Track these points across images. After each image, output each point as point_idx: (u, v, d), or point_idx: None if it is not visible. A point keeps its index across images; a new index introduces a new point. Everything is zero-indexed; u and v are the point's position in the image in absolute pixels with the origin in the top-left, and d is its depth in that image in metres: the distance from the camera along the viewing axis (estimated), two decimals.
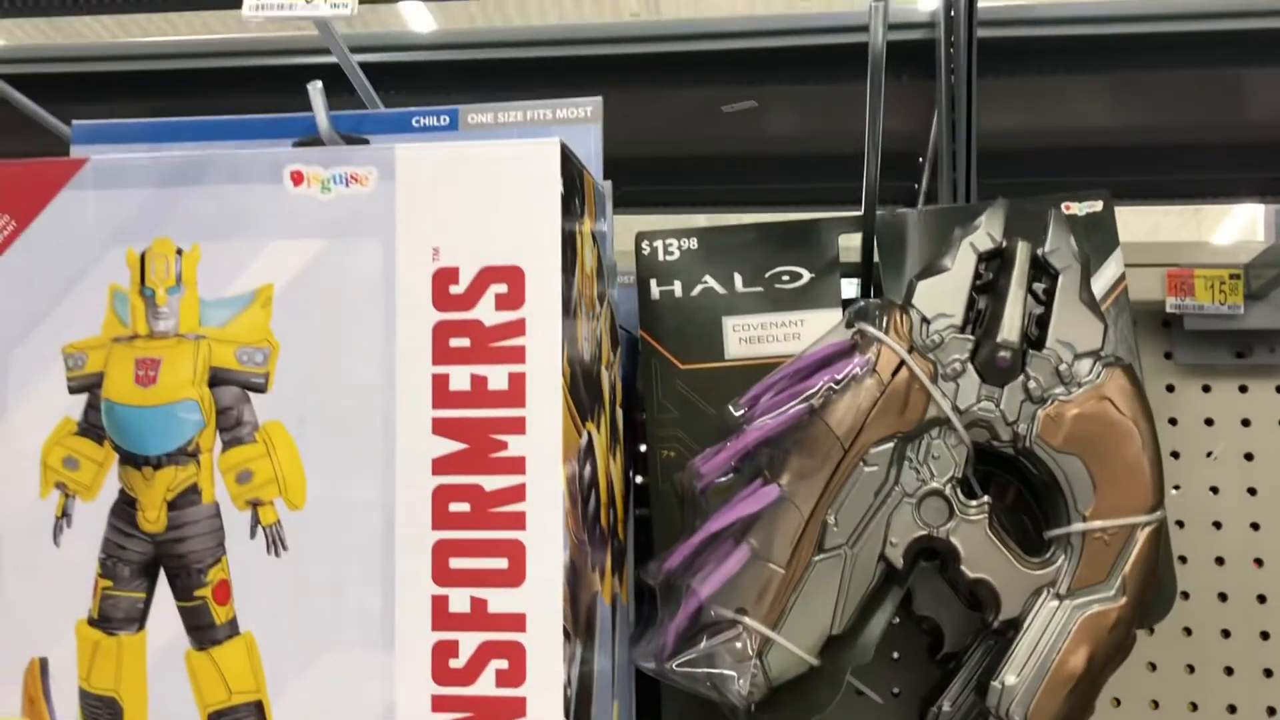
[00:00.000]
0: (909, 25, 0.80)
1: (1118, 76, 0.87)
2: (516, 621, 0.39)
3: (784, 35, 0.87)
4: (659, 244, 0.60)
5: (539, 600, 0.39)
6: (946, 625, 0.58)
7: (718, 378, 0.59)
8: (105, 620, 0.41)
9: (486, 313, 0.40)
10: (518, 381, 0.39)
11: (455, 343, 0.40)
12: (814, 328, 0.59)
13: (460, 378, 0.40)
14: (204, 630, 0.41)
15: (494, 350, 0.39)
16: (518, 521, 0.39)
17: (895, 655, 0.60)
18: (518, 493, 0.39)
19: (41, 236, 0.42)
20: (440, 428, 0.40)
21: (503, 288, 0.39)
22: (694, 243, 0.60)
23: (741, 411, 0.55)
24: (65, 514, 0.42)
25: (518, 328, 0.39)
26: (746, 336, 0.59)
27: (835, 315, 0.58)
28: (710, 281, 0.60)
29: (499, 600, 0.39)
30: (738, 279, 0.60)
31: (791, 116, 0.96)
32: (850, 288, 0.61)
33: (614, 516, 0.50)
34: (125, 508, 0.42)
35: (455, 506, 0.39)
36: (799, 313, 0.59)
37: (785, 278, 0.60)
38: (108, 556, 0.41)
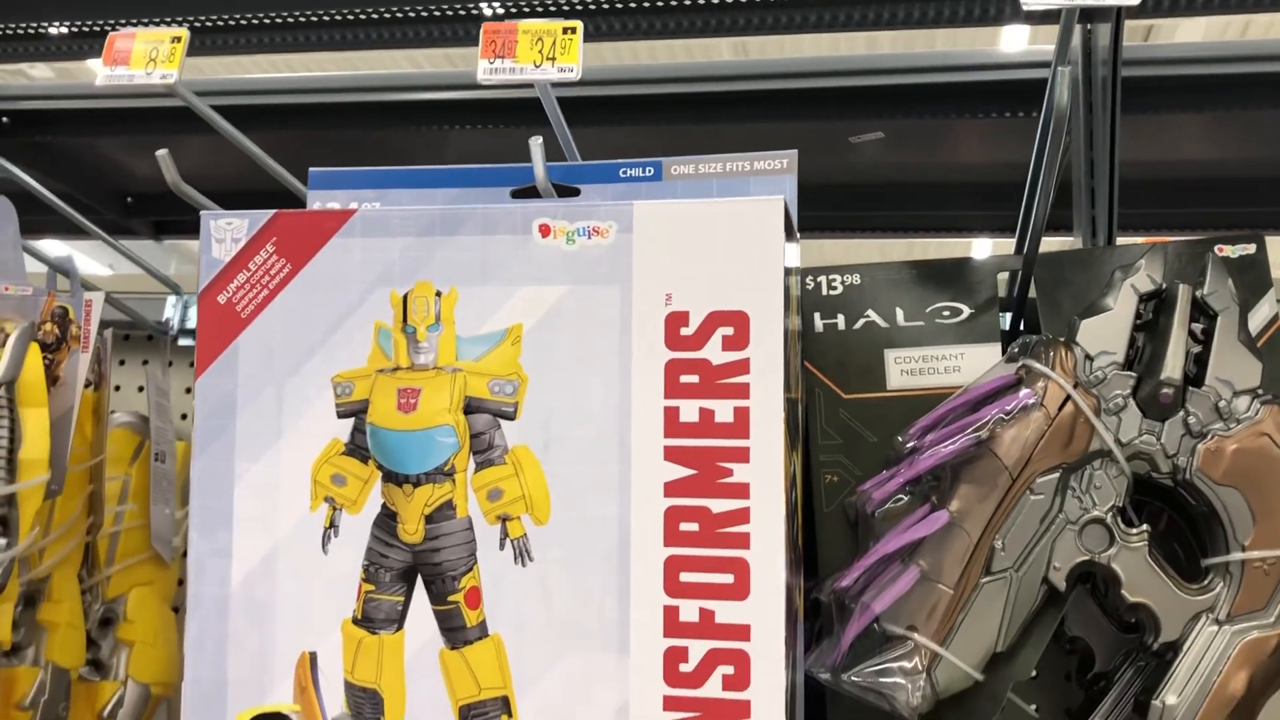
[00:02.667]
0: (1024, 65, 0.83)
1: (1220, 114, 0.89)
2: (742, 632, 0.43)
3: (901, 74, 0.90)
4: (823, 279, 0.64)
5: (763, 613, 0.43)
6: (1097, 646, 0.61)
7: (879, 407, 0.62)
8: (368, 620, 0.47)
9: (714, 352, 0.44)
10: (742, 415, 0.44)
11: (685, 379, 0.44)
12: (973, 361, 0.62)
13: (690, 410, 0.44)
14: (456, 631, 0.46)
15: (721, 386, 0.44)
16: (742, 541, 0.43)
17: (1034, 674, 0.63)
18: (742, 515, 0.43)
19: (314, 278, 0.48)
20: (671, 455, 0.44)
21: (729, 330, 0.44)
22: (857, 278, 0.64)
23: (911, 443, 0.59)
24: (333, 525, 0.47)
25: (743, 367, 0.44)
26: (908, 369, 0.63)
27: (994, 349, 0.62)
28: (872, 315, 0.64)
29: (725, 612, 0.43)
30: (899, 313, 0.63)
31: (911, 148, 0.99)
32: (1007, 323, 0.64)
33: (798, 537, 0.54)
34: (387, 520, 0.47)
35: (685, 526, 0.44)
36: (959, 346, 0.63)
37: (946, 313, 0.63)
38: (371, 564, 0.47)
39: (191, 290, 0.84)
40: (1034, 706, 0.63)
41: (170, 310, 0.84)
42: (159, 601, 0.77)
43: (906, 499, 0.58)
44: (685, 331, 0.44)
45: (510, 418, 0.46)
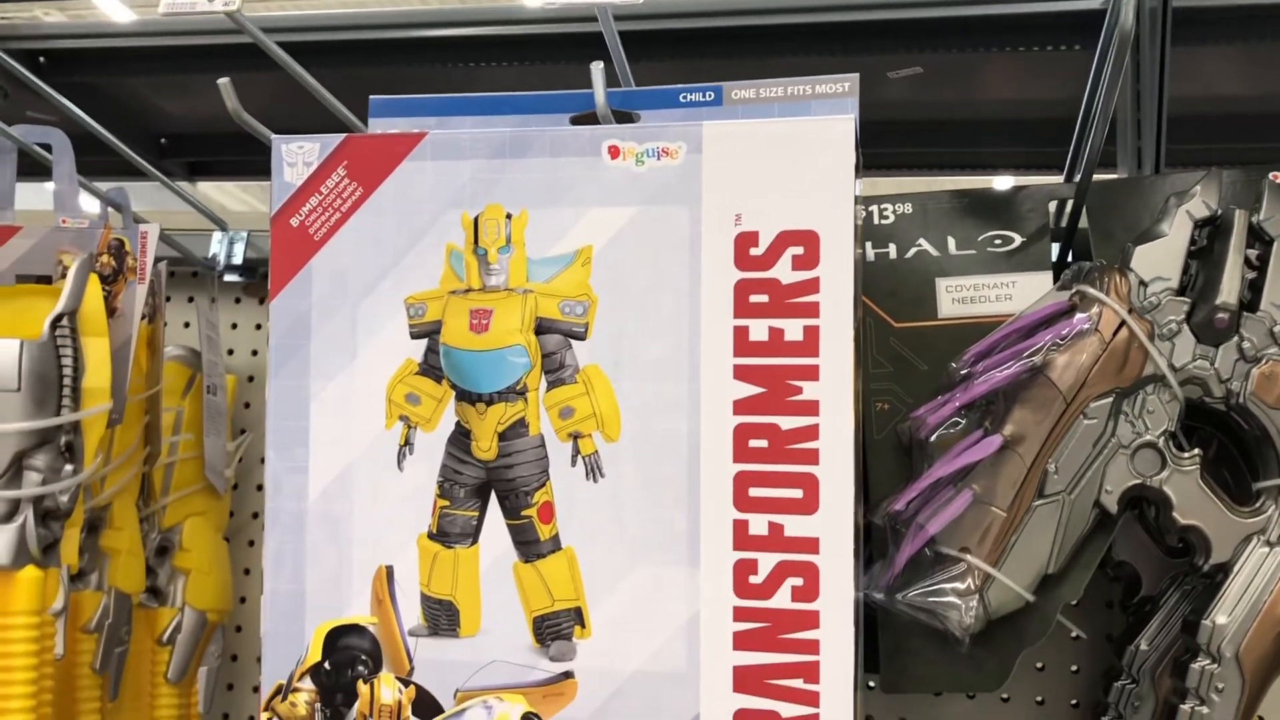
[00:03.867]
0: None
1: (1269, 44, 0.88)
2: (811, 545, 0.44)
3: (941, 6, 0.89)
4: (874, 208, 0.64)
5: (831, 526, 0.44)
6: (1144, 570, 0.62)
7: (930, 336, 0.63)
8: (443, 535, 0.48)
9: (784, 272, 0.45)
10: (812, 334, 0.44)
11: (755, 299, 0.45)
12: (1025, 289, 0.62)
13: (759, 330, 0.45)
14: (530, 545, 0.47)
15: (790, 305, 0.45)
16: (811, 458, 0.44)
17: (1074, 602, 0.64)
18: (811, 432, 0.44)
19: (385, 201, 0.48)
20: (740, 374, 0.45)
21: (799, 249, 0.44)
22: (909, 207, 0.64)
23: (965, 369, 0.60)
24: (408, 443, 0.48)
25: (812, 286, 0.44)
26: (959, 297, 0.63)
27: (1045, 278, 0.62)
28: (924, 244, 0.64)
29: (795, 525, 0.44)
30: (951, 242, 0.64)
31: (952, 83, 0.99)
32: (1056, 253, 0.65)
33: None
34: (461, 438, 0.48)
35: (754, 443, 0.45)
36: (1010, 275, 0.63)
37: (997, 241, 0.64)
38: (445, 480, 0.48)
39: (237, 227, 0.85)
40: (1075, 634, 0.64)
41: (216, 246, 0.85)
42: (212, 531, 0.78)
43: (960, 425, 0.59)
44: (755, 251, 0.45)
45: (581, 338, 0.47)
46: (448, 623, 0.47)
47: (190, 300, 0.88)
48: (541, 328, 0.47)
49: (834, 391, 0.44)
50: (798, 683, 0.44)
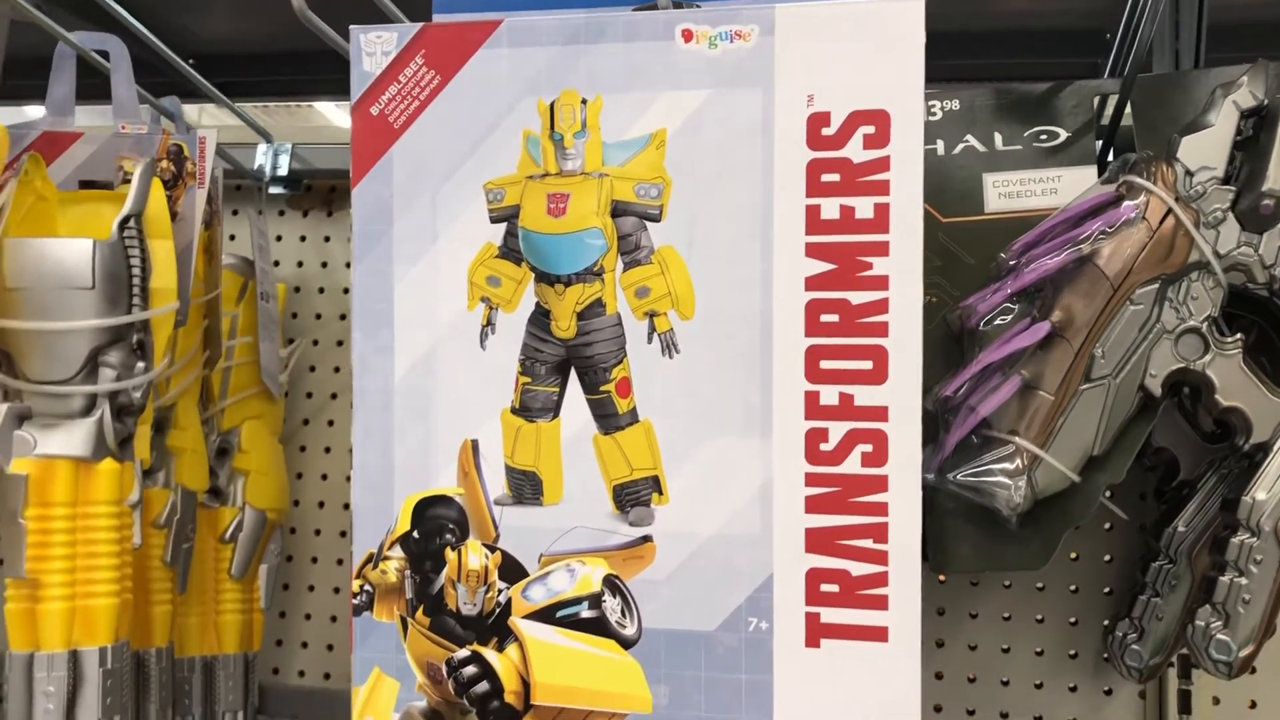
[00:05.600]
0: None
1: None
2: (880, 413, 0.46)
3: None
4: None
5: (900, 395, 0.46)
6: (1182, 456, 0.64)
7: (977, 230, 0.64)
8: (525, 409, 0.50)
9: (855, 151, 0.46)
10: (882, 211, 0.46)
11: (826, 178, 0.47)
12: (1070, 183, 0.64)
13: (830, 208, 0.47)
14: (609, 418, 0.49)
15: (861, 184, 0.46)
16: (881, 330, 0.46)
17: (1108, 494, 0.66)
18: (881, 306, 0.46)
19: (462, 88, 0.49)
20: (812, 251, 0.47)
21: (870, 129, 0.46)
22: (956, 104, 0.66)
23: (1013, 260, 0.61)
24: (489, 323, 0.50)
25: (883, 164, 0.46)
26: (1006, 192, 0.65)
27: (1090, 172, 0.64)
28: (971, 140, 0.65)
29: (864, 395, 0.46)
30: (998, 138, 0.65)
31: None
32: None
33: None
34: (541, 318, 0.50)
35: (825, 317, 0.47)
36: (1056, 170, 0.64)
37: (1043, 136, 0.65)
38: (526, 358, 0.50)
39: (280, 139, 0.86)
40: (1118, 515, 0.67)
41: (261, 158, 0.86)
42: (269, 434, 0.81)
43: (1012, 312, 0.61)
44: (826, 131, 0.46)
45: (655, 219, 0.48)
46: (531, 492, 0.50)
47: (235, 214, 0.89)
48: (617, 210, 0.49)
49: (903, 266, 0.46)
50: (867, 543, 0.46)
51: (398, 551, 0.50)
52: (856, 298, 0.46)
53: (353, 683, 0.50)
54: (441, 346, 0.50)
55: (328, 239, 0.88)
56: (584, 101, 0.49)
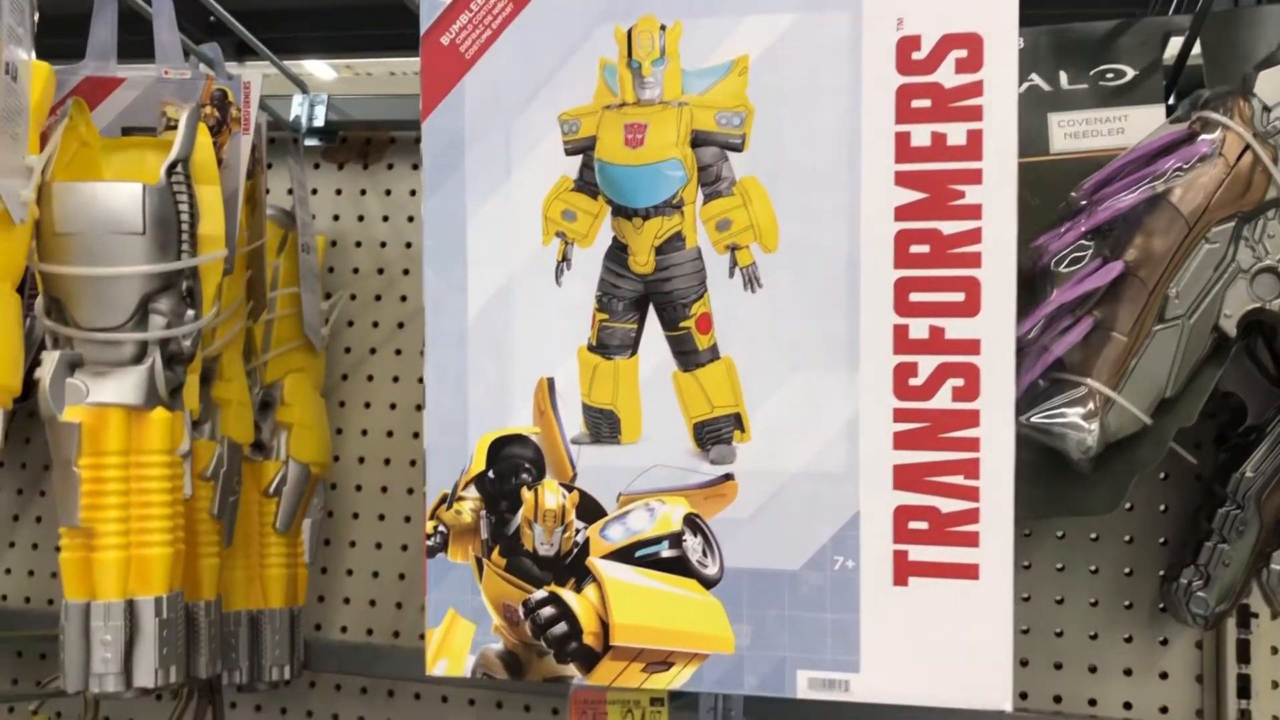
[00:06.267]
0: None
1: None
2: (972, 346, 0.45)
3: None
4: None
5: (993, 327, 0.45)
6: (1250, 400, 0.63)
7: (1042, 170, 0.63)
8: (603, 346, 0.49)
9: (946, 76, 0.45)
10: (975, 138, 0.45)
11: (916, 104, 0.45)
12: (1138, 123, 0.62)
13: (921, 135, 0.45)
14: (689, 355, 0.48)
15: (953, 110, 0.45)
16: (974, 261, 0.45)
17: (1188, 426, 0.64)
18: (974, 236, 0.45)
19: (536, 16, 0.48)
20: (902, 179, 0.46)
21: (962, 52, 0.45)
22: (1020, 42, 0.64)
23: (1084, 200, 0.60)
24: (565, 259, 0.49)
25: (976, 89, 0.45)
26: (1071, 132, 0.63)
27: (1158, 111, 0.62)
28: (1036, 79, 0.64)
29: (956, 328, 0.45)
30: (1063, 77, 0.64)
31: None
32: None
33: None
34: (618, 253, 0.49)
35: (915, 248, 0.46)
36: (1123, 109, 0.63)
37: (1110, 75, 0.64)
38: (603, 294, 0.49)
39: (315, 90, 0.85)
40: (1164, 475, 0.65)
41: (297, 109, 0.85)
42: (311, 387, 0.80)
43: (1088, 250, 0.60)
44: (917, 56, 0.45)
45: (738, 149, 0.47)
46: (609, 431, 0.49)
47: (270, 167, 0.88)
48: (697, 140, 0.47)
49: (997, 195, 0.45)
50: (958, 479, 0.45)
51: (472, 492, 0.49)
52: (948, 228, 0.45)
53: (427, 625, 0.50)
54: (516, 283, 0.49)
55: (364, 192, 0.86)
56: (663, 28, 0.47)
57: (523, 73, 0.48)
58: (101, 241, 0.59)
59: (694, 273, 0.48)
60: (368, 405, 0.84)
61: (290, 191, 0.81)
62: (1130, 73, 0.63)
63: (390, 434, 0.82)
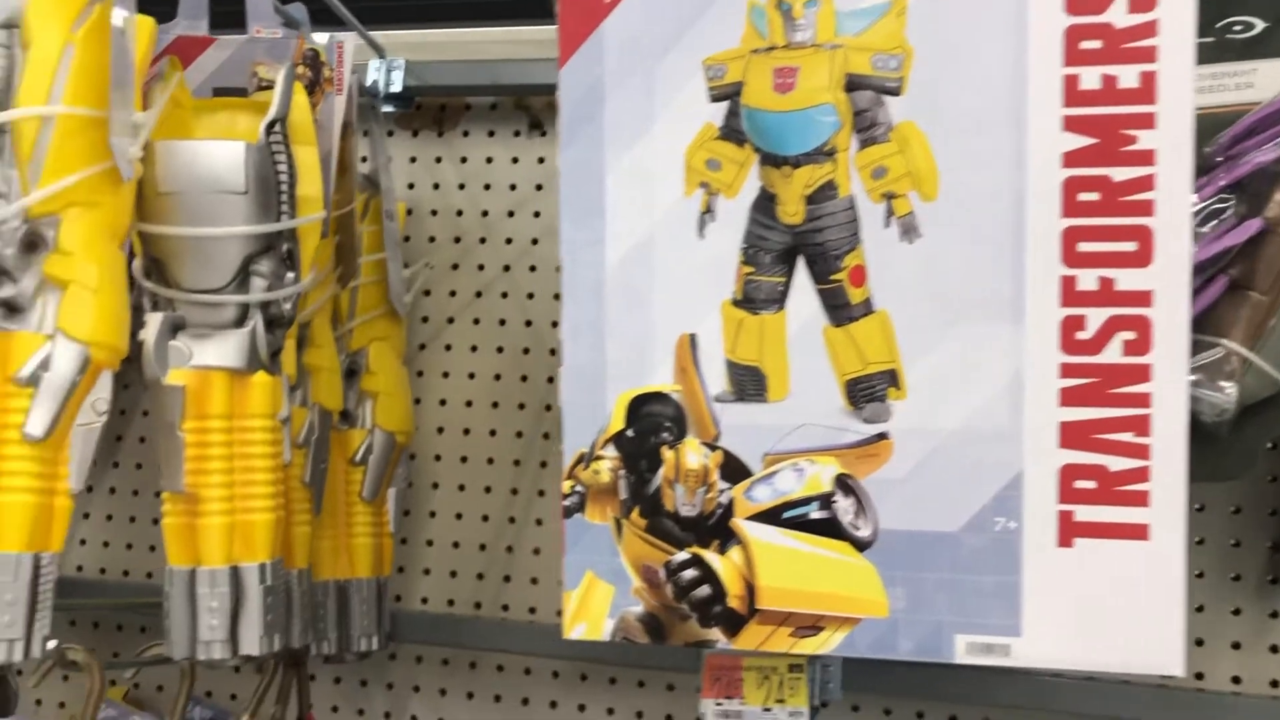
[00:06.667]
0: None
1: None
2: (1144, 298, 0.43)
3: None
4: None
5: (1166, 278, 0.43)
6: None
7: None
8: (748, 301, 0.47)
9: (1118, 15, 0.43)
10: (1149, 80, 0.43)
11: (1086, 45, 0.43)
12: (1267, 77, 0.60)
13: (1091, 78, 0.43)
14: (840, 309, 0.47)
15: (1126, 51, 0.43)
16: (1146, 209, 0.43)
17: None
18: (1146, 183, 0.43)
19: None
20: (1071, 124, 0.44)
21: None
22: None
23: (1220, 155, 0.58)
24: (709, 210, 0.47)
25: (1149, 29, 0.43)
26: (1197, 86, 0.61)
27: None
28: None
29: (1127, 279, 0.44)
30: None
31: None
32: None
33: None
34: (766, 203, 0.47)
35: (1084, 196, 0.44)
36: (1251, 63, 0.61)
37: (1237, 27, 0.61)
38: (749, 246, 0.47)
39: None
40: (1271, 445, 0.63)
41: (374, 74, 0.83)
42: (395, 356, 0.78)
43: (1221, 210, 0.58)
44: None
45: (895, 93, 0.45)
46: (754, 388, 0.47)
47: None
48: (852, 84, 0.46)
49: (1171, 140, 0.43)
50: (1127, 436, 0.44)
51: (611, 450, 0.48)
52: (1119, 174, 0.43)
53: (564, 587, 0.48)
54: (657, 235, 0.47)
55: (439, 160, 0.85)
56: None
57: (665, 17, 0.46)
58: (204, 201, 0.58)
59: (847, 223, 0.46)
60: (446, 375, 0.82)
61: (365, 159, 0.80)
62: (1260, 24, 0.61)
63: (469, 404, 0.80)
